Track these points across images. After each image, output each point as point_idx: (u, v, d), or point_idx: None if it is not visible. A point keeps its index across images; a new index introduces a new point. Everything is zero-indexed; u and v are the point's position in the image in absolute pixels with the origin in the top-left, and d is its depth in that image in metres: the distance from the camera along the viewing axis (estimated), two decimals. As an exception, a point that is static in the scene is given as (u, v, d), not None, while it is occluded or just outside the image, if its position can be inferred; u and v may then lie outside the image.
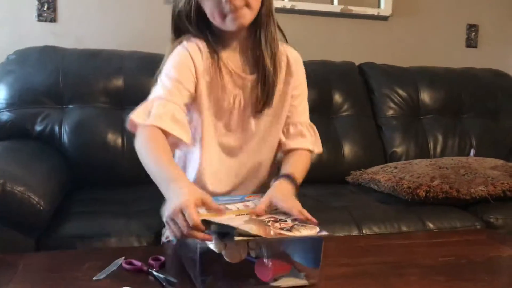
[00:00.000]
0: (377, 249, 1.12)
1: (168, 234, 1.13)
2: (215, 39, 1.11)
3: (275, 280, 0.86)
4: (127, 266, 0.91)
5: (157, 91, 1.07)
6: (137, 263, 0.92)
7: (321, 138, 1.99)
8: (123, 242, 1.29)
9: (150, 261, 0.93)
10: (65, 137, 1.77)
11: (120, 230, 1.34)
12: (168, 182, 0.92)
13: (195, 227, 0.81)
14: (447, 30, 2.65)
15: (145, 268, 0.91)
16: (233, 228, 0.80)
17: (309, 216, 0.91)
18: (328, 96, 2.14)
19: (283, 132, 1.20)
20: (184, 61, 1.09)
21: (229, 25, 1.06)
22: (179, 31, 1.13)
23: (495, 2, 2.71)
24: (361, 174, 1.92)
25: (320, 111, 2.11)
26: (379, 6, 2.52)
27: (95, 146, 1.78)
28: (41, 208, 1.23)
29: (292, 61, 1.19)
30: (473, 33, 2.68)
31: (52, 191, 1.37)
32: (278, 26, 1.16)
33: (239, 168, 1.17)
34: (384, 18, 2.54)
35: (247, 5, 1.05)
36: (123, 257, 0.95)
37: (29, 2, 2.09)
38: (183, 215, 0.82)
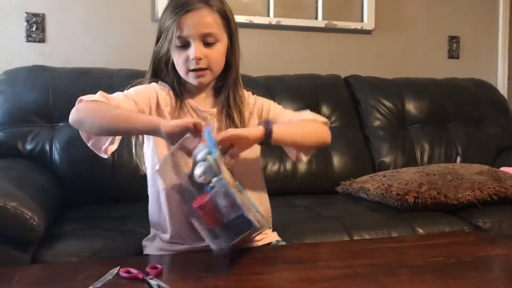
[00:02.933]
0: (369, 252, 1.14)
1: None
2: (183, 88, 1.24)
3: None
4: (124, 275, 0.92)
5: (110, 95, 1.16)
6: (134, 271, 0.92)
7: (310, 149, 2.06)
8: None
9: (147, 269, 0.94)
10: (55, 155, 1.78)
11: (114, 247, 1.34)
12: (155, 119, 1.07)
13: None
14: (429, 42, 2.72)
15: (141, 276, 0.91)
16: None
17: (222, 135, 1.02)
18: (315, 108, 2.17)
19: None
20: (147, 91, 1.21)
21: (191, 80, 1.20)
22: (155, 74, 1.26)
23: (475, 14, 2.79)
24: (351, 183, 1.95)
25: (308, 123, 2.14)
26: (362, 21, 2.59)
27: (85, 163, 1.77)
28: (34, 222, 1.23)
29: (250, 100, 1.30)
30: (455, 45, 2.75)
31: (44, 207, 1.37)
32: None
33: None
34: (368, 32, 2.60)
35: (209, 68, 1.18)
36: (119, 267, 0.95)
37: (18, 23, 2.11)
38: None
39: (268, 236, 1.23)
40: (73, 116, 1.11)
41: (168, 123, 1.02)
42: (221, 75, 1.25)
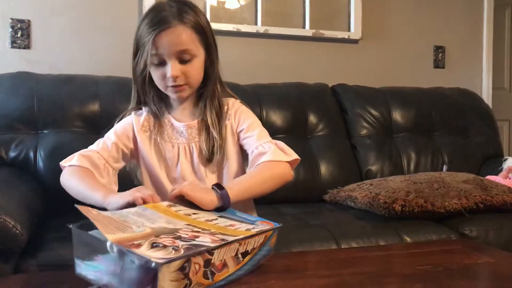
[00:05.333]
0: (356, 261, 1.13)
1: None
2: (164, 102, 1.26)
3: None
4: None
5: (91, 146, 1.24)
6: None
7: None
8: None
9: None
10: (40, 163, 1.76)
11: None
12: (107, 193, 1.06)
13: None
14: (415, 52, 2.74)
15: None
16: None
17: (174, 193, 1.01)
18: (303, 117, 2.18)
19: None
20: (124, 126, 1.25)
21: (170, 94, 1.22)
22: (139, 96, 1.27)
23: (460, 24, 2.83)
24: (338, 192, 1.95)
25: (296, 132, 2.15)
26: (349, 30, 2.61)
27: (70, 171, 1.76)
28: (17, 231, 1.20)
29: (230, 107, 1.28)
30: (440, 54, 2.78)
31: (28, 216, 1.34)
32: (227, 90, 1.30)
33: None
34: (355, 42, 2.62)
35: (187, 83, 1.19)
36: (103, 276, 0.93)
37: (3, 29, 2.09)
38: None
39: None
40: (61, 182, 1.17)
41: (114, 202, 1.01)
42: (201, 85, 1.25)
